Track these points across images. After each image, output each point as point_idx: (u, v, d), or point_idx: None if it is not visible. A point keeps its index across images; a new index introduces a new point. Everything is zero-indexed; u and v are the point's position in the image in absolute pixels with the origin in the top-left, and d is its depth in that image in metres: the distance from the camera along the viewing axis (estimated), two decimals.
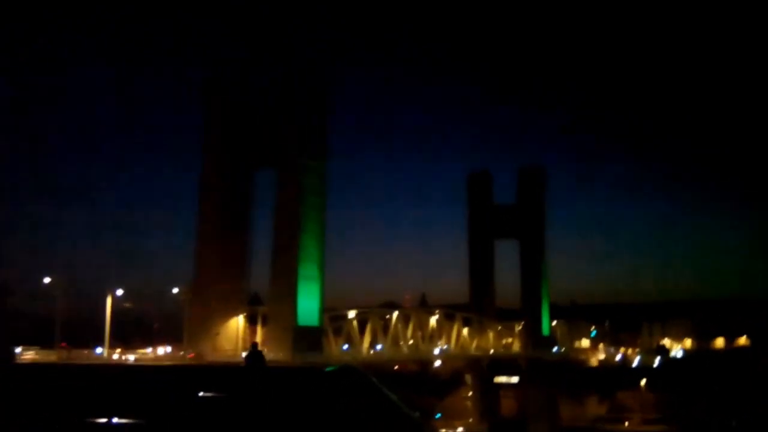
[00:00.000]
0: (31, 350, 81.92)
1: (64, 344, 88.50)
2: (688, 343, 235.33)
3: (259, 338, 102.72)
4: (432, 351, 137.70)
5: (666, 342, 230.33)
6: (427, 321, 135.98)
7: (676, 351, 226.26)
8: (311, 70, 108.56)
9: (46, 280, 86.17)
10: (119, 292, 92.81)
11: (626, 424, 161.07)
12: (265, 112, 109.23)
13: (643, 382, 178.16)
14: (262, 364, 33.76)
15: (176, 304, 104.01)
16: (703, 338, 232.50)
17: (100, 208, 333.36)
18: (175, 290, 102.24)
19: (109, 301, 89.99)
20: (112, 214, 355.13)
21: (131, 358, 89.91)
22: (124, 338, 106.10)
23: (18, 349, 73.20)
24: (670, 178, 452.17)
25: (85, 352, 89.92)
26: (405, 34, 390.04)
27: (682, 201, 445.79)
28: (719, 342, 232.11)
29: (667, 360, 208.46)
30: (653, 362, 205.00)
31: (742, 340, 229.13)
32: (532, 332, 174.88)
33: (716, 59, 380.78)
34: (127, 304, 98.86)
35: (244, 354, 34.89)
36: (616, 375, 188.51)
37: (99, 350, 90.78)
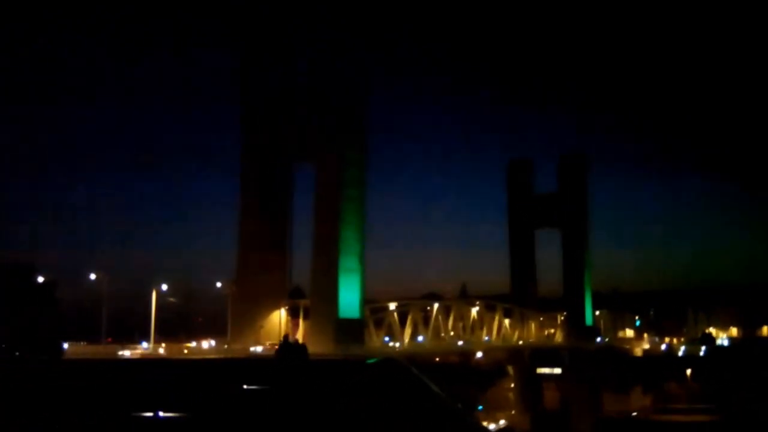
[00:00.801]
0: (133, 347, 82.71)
1: (109, 339, 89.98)
2: (734, 331, 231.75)
3: (301, 331, 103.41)
4: (473, 342, 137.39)
5: (711, 330, 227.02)
6: (468, 312, 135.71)
7: (722, 339, 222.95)
8: (349, 62, 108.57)
9: (92, 276, 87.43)
10: (164, 287, 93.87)
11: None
12: (303, 105, 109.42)
13: (689, 371, 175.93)
14: (305, 357, 34.03)
15: (220, 298, 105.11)
16: (749, 326, 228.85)
17: (144, 204, 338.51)
18: (219, 284, 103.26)
19: (153, 295, 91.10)
20: (156, 210, 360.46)
21: (127, 353, 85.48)
22: (169, 333, 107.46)
23: (65, 345, 74.47)
24: (715, 163, 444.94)
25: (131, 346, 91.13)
26: (442, 21, 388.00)
27: (726, 186, 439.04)
28: (766, 330, 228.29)
29: (713, 349, 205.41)
30: (699, 351, 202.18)
31: None
32: (575, 322, 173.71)
33: (743, 59, 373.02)
34: (172, 299, 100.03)
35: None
36: (661, 365, 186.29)
37: (144, 345, 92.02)
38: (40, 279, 73.66)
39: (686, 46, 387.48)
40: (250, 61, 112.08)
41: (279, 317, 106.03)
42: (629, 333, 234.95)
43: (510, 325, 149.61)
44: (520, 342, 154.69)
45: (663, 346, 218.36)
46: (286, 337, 35.33)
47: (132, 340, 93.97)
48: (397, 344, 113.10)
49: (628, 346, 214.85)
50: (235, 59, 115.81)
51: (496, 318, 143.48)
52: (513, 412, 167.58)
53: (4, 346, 55.57)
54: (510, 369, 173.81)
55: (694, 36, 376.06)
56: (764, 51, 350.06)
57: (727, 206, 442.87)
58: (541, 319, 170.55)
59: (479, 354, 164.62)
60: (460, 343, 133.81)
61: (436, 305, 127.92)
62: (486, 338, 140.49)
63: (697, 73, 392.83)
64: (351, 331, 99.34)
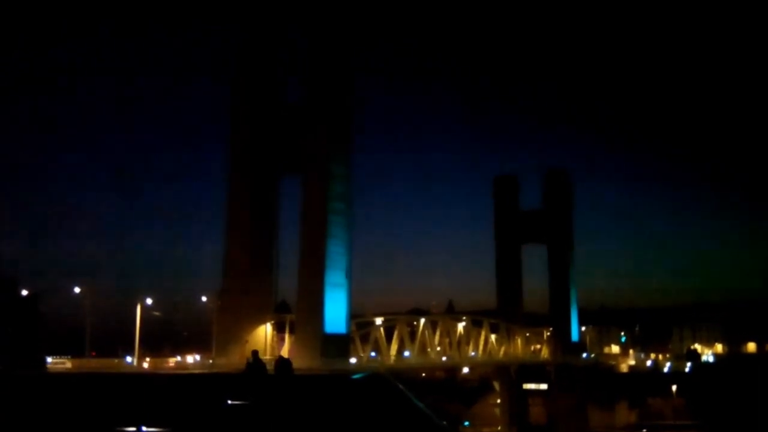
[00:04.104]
0: None
1: (93, 353, 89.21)
2: (719, 347, 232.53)
3: (287, 346, 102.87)
4: (460, 358, 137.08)
5: (697, 347, 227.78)
6: (455, 328, 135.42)
7: (708, 356, 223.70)
8: (337, 75, 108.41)
9: (76, 289, 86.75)
10: (149, 300, 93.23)
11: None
12: (290, 118, 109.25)
13: (674, 388, 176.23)
14: (289, 373, 33.78)
15: (205, 312, 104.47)
16: (734, 342, 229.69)
17: (130, 217, 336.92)
18: (204, 298, 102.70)
19: (138, 309, 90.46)
20: (141, 224, 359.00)
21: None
22: (154, 347, 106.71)
23: (49, 359, 73.83)
24: (699, 180, 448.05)
25: (116, 360, 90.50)
26: (429, 38, 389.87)
27: (712, 202, 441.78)
28: (751, 346, 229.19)
29: (698, 365, 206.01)
30: (684, 368, 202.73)
31: None
32: (561, 338, 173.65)
33: (732, 68, 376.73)
34: (157, 313, 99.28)
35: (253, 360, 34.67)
36: (647, 381, 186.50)
37: (129, 359, 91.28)
38: (24, 292, 73.09)
39: (674, 58, 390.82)
40: (240, 75, 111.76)
41: (264, 332, 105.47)
42: (615, 349, 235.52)
43: (496, 340, 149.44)
44: (507, 358, 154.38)
45: (648, 363, 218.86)
46: (255, 353, 34.58)
47: (116, 354, 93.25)
48: (384, 359, 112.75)
49: (613, 362, 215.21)
50: (225, 72, 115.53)
51: (483, 333, 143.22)
52: (499, 427, 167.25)
53: None
54: (496, 384, 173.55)
55: (682, 48, 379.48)
56: (750, 64, 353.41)
57: (714, 224, 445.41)
58: (528, 334, 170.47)
59: (465, 369, 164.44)
60: (446, 358, 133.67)
61: (422, 320, 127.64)
62: (472, 354, 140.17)
63: (680, 91, 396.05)
64: (337, 346, 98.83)
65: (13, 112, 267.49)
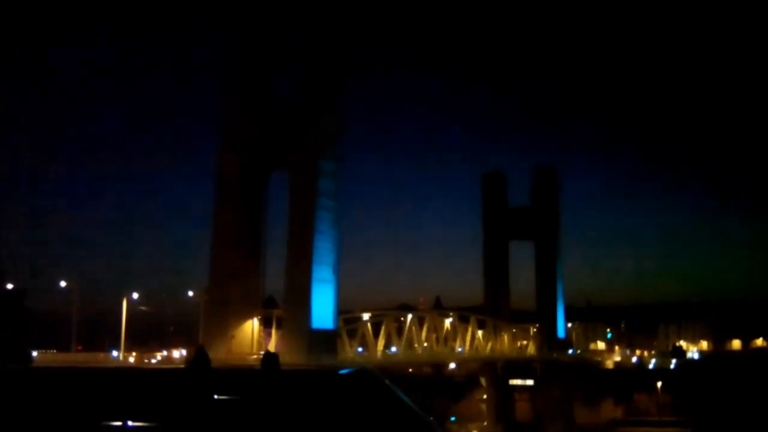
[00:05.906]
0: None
1: (80, 347, 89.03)
2: (704, 344, 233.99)
3: (273, 341, 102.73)
4: (447, 354, 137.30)
5: (682, 344, 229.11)
6: (442, 323, 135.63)
7: (693, 352, 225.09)
8: (334, 75, 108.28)
9: (63, 283, 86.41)
10: (135, 294, 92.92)
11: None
12: (288, 117, 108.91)
13: (660, 384, 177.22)
14: (277, 367, 33.89)
15: (192, 306, 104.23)
16: (719, 339, 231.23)
17: (116, 211, 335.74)
18: (191, 293, 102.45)
19: (124, 303, 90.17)
20: (128, 217, 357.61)
21: None
22: (141, 341, 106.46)
23: (34, 353, 73.54)
24: (686, 178, 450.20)
25: (101, 355, 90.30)
26: (416, 33, 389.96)
27: (698, 200, 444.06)
28: (736, 343, 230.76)
29: (684, 362, 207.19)
30: (669, 364, 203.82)
31: (759, 342, 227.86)
32: (547, 334, 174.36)
33: (726, 64, 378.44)
34: (143, 307, 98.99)
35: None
36: (632, 377, 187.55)
37: (114, 353, 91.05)
38: (9, 286, 72.72)
39: (668, 53, 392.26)
40: (239, 75, 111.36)
41: (251, 327, 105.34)
42: (601, 345, 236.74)
43: (483, 336, 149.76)
44: (493, 353, 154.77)
45: (634, 359, 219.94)
46: (198, 347, 34.55)
47: (103, 349, 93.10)
48: (371, 354, 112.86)
49: (599, 359, 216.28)
50: (225, 72, 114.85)
51: (470, 329, 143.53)
52: (485, 423, 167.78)
53: None
54: (483, 380, 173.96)
55: (677, 43, 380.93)
56: (750, 63, 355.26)
57: (700, 222, 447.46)
58: (514, 330, 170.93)
59: (452, 365, 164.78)
60: (449, 354, 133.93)
61: (409, 316, 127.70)
62: (459, 349, 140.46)
63: (672, 88, 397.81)
64: (324, 341, 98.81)
65: (12, 112, 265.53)
